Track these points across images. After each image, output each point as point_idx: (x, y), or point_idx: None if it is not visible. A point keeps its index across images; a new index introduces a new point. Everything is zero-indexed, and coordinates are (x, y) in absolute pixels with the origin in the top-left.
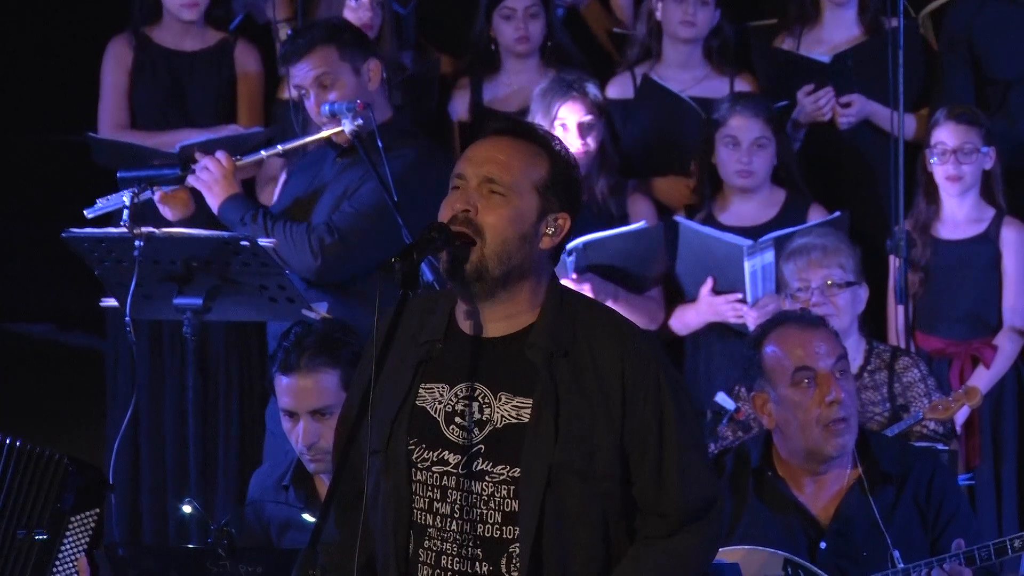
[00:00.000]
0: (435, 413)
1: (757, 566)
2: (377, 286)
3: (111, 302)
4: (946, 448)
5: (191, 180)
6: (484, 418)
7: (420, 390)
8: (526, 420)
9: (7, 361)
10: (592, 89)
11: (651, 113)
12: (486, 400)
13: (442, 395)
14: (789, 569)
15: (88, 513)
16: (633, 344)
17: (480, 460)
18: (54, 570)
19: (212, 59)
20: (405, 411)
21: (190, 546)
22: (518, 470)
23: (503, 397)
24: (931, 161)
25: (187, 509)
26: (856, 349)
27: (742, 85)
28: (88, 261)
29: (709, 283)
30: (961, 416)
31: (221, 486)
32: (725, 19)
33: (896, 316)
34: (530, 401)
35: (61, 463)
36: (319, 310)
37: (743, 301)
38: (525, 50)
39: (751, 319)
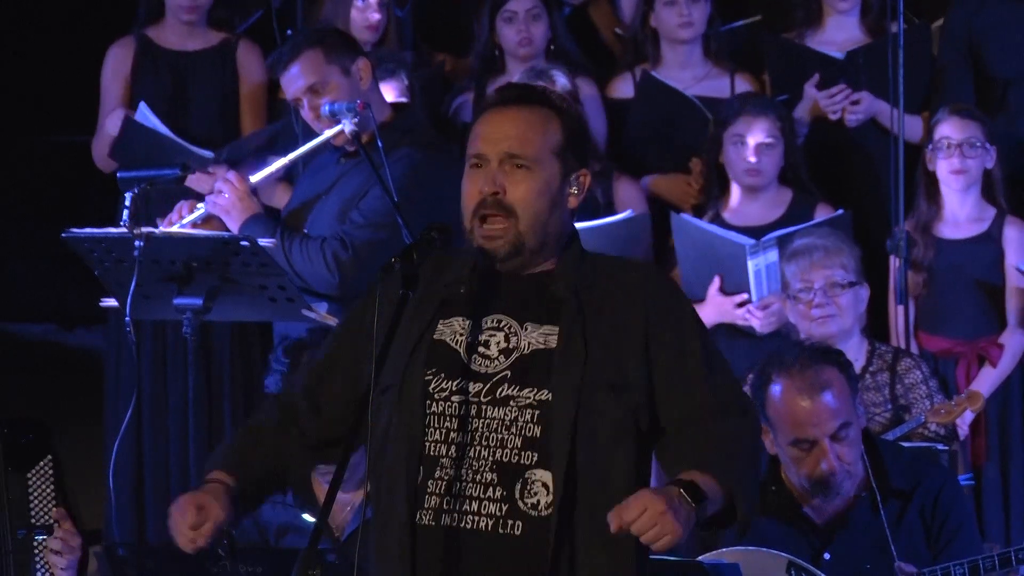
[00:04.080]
0: (455, 344)
1: (760, 567)
2: (377, 288)
3: (111, 302)
4: (946, 448)
5: (208, 207)
6: (511, 346)
7: (439, 325)
8: (554, 346)
9: (7, 361)
10: (561, 79)
11: (652, 109)
12: (512, 329)
13: (463, 327)
14: (792, 571)
15: (42, 463)
16: (655, 273)
17: (505, 385)
18: (32, 521)
19: (214, 59)
20: (423, 345)
21: None
22: (545, 391)
23: (529, 327)
24: (936, 156)
25: None
26: (858, 350)
27: (742, 83)
28: (88, 261)
29: (716, 282)
30: (967, 418)
31: None
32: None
33: (896, 317)
34: (556, 329)
35: None
36: (319, 310)
37: (749, 301)
38: (528, 53)
39: (756, 321)
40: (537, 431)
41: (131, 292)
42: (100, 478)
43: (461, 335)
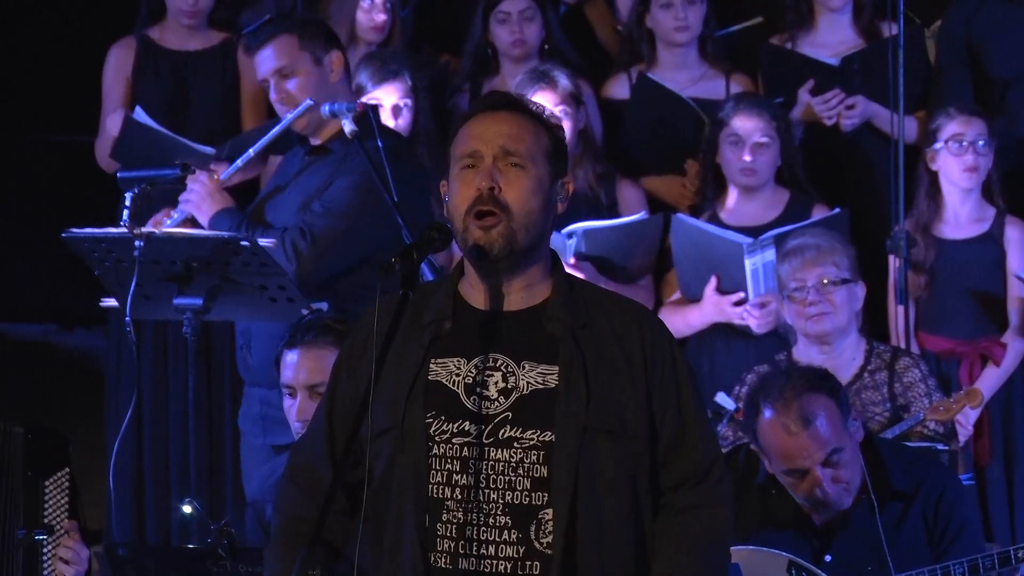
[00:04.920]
0: (452, 385)
1: (761, 567)
2: (377, 287)
3: (111, 302)
4: (946, 448)
5: (183, 206)
6: (509, 386)
7: (431, 365)
8: (553, 385)
9: (7, 361)
10: (563, 80)
11: (648, 111)
12: (509, 369)
13: (459, 368)
14: (793, 571)
15: (60, 474)
16: (647, 315)
17: (508, 427)
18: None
19: (215, 59)
20: (419, 386)
21: (190, 546)
22: (549, 433)
23: (526, 365)
24: (943, 155)
25: (187, 509)
26: (856, 348)
27: (737, 85)
28: (88, 261)
29: (713, 282)
30: (970, 417)
31: (228, 486)
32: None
33: (896, 317)
34: (555, 368)
35: (16, 434)
36: (320, 310)
37: (746, 300)
38: (521, 54)
39: (753, 320)
40: (544, 471)
41: (131, 292)
42: (100, 478)
43: (458, 375)
